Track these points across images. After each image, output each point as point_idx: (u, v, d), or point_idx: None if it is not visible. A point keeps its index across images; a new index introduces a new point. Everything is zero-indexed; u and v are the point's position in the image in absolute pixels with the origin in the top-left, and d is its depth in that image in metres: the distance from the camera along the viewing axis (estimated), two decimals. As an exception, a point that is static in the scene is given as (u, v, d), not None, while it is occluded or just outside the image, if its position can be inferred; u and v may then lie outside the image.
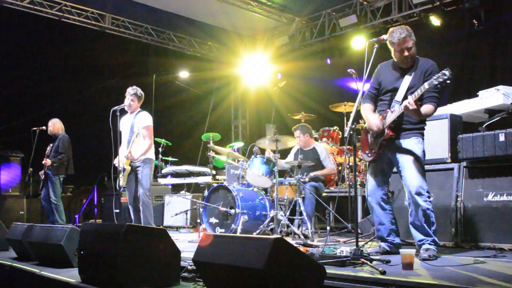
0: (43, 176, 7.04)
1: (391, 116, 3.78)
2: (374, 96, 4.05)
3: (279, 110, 8.53)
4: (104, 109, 5.56)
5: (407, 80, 3.81)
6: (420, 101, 3.71)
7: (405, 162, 3.76)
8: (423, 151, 3.81)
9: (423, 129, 3.90)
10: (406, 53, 3.77)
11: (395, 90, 3.86)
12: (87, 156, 8.60)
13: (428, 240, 3.69)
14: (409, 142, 3.80)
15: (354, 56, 8.38)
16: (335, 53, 9.45)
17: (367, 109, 4.03)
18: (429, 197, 3.70)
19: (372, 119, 3.94)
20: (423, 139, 3.87)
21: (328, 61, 9.46)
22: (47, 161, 6.96)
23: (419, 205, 3.65)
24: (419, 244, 3.75)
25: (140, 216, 5.39)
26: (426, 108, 3.72)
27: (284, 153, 6.59)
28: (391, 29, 3.84)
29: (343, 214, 5.85)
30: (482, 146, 4.25)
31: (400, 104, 3.72)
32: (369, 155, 4.00)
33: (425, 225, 3.68)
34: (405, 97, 3.74)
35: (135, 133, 5.32)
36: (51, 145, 7.18)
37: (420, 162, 3.74)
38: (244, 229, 5.39)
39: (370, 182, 4.03)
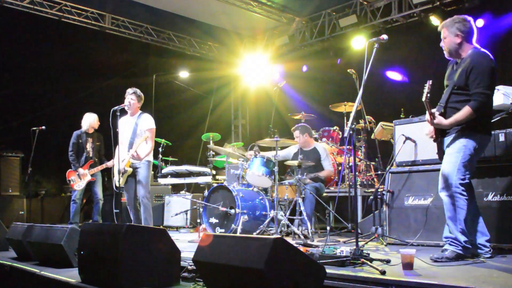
0: (90, 177, 6.76)
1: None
2: None
3: (279, 110, 8.52)
4: (104, 109, 5.56)
5: (454, 78, 3.60)
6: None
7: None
8: (465, 145, 3.51)
9: (472, 124, 3.52)
10: (441, 43, 3.68)
11: (446, 87, 3.70)
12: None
13: (448, 240, 3.57)
14: (449, 139, 3.64)
15: (354, 56, 8.39)
16: (335, 53, 9.45)
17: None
18: (460, 193, 3.48)
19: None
20: (470, 134, 3.53)
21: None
22: (108, 164, 6.69)
23: (443, 199, 3.59)
24: (444, 242, 3.65)
25: (139, 216, 5.40)
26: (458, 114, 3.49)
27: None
28: None
29: (343, 214, 5.84)
30: (482, 146, 4.23)
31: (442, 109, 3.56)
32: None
33: (450, 220, 3.54)
34: (448, 98, 3.59)
35: (144, 136, 5.33)
36: (89, 141, 6.89)
37: (454, 156, 3.52)
38: (244, 229, 5.39)
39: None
